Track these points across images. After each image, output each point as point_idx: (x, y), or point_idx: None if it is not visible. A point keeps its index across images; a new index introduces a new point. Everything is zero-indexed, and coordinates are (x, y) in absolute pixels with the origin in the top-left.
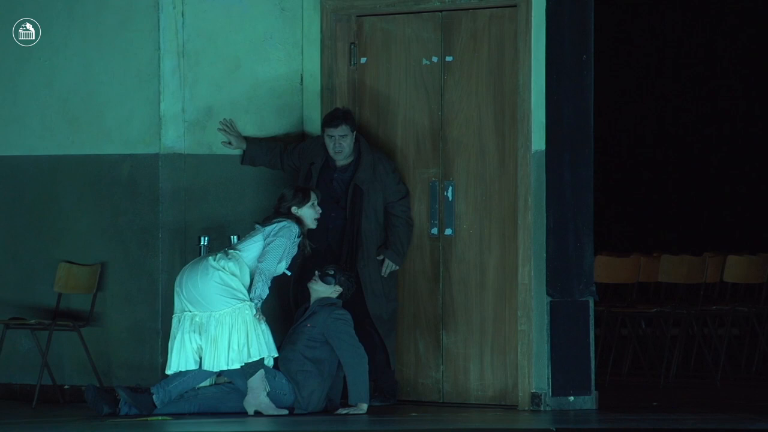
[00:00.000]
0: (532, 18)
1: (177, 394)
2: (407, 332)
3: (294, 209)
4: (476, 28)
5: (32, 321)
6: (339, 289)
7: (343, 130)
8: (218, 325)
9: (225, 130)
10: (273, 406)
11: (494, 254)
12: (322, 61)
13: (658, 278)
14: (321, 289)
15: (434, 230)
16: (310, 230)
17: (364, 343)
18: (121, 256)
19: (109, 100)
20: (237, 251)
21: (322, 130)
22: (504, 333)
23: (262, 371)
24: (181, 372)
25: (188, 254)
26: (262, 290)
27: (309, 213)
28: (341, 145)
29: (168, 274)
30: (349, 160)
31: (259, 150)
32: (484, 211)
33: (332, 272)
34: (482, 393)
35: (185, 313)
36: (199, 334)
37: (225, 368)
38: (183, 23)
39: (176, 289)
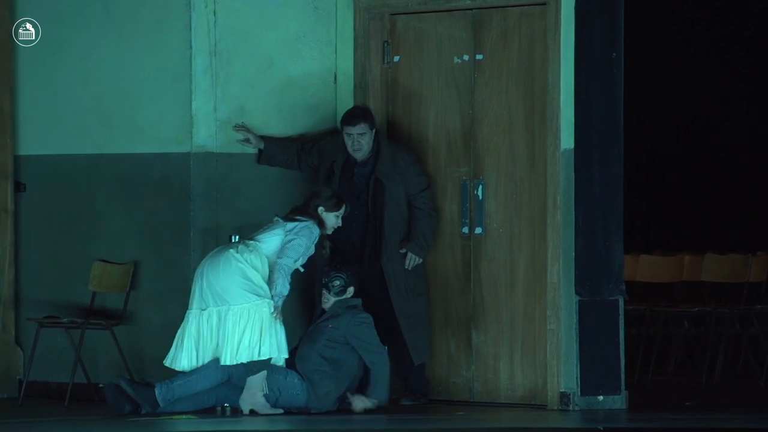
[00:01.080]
0: (562, 16)
1: (180, 393)
2: (439, 331)
3: (321, 209)
4: (507, 26)
5: (65, 319)
6: (352, 289)
7: (361, 128)
8: (235, 319)
9: (242, 131)
10: (268, 405)
11: (524, 253)
12: (356, 59)
13: (702, 277)
14: (336, 299)
15: (465, 229)
16: (336, 228)
17: (392, 343)
18: (154, 255)
19: (143, 99)
20: (257, 242)
21: (341, 128)
22: (533, 332)
23: (264, 372)
24: (186, 372)
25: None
26: (283, 287)
27: (332, 220)
28: (360, 143)
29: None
30: (369, 154)
31: (276, 149)
32: (513, 210)
33: (338, 282)
34: (512, 392)
35: (203, 312)
36: (216, 331)
37: (231, 363)
38: (215, 22)
39: (196, 280)
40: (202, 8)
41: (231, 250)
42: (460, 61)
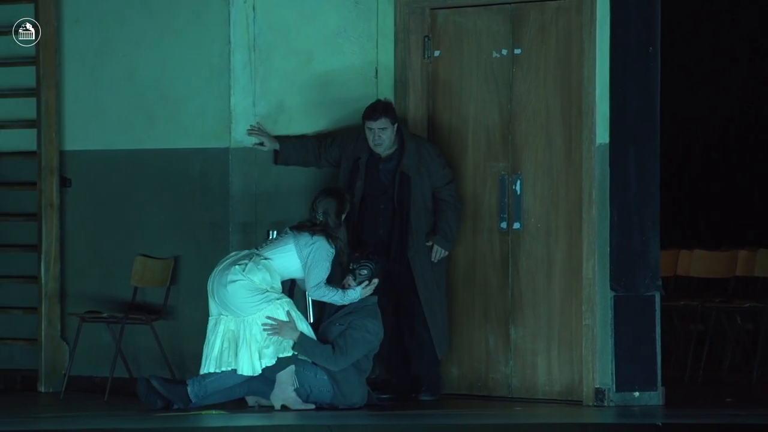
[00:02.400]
0: (597, 10)
1: (213, 389)
2: (478, 327)
3: (343, 217)
4: (544, 20)
5: (105, 314)
6: (377, 281)
7: (382, 123)
8: (252, 328)
9: (256, 133)
10: (300, 400)
11: (561, 248)
12: (396, 54)
13: (755, 273)
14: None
15: (503, 224)
16: (362, 223)
17: (413, 339)
18: (194, 250)
19: (184, 95)
20: (267, 260)
21: (363, 123)
22: (570, 328)
23: (292, 367)
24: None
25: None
26: (342, 299)
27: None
28: (381, 138)
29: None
30: (393, 149)
31: (292, 149)
32: (551, 205)
33: (365, 271)
34: (549, 388)
35: (221, 317)
36: (234, 339)
37: (260, 370)
38: (254, 17)
39: (209, 291)
40: (241, 3)
41: (235, 267)
42: (498, 55)
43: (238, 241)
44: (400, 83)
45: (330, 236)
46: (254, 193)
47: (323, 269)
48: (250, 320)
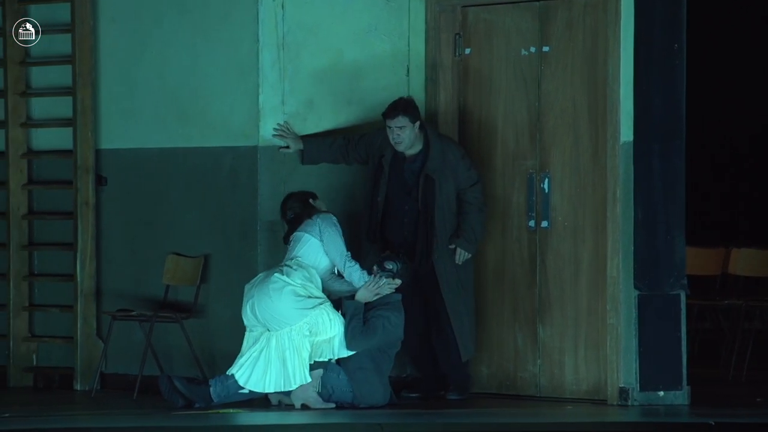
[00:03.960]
0: (622, 7)
1: (235, 390)
2: (507, 326)
3: (312, 201)
4: (572, 17)
5: (134, 312)
6: (399, 282)
7: (400, 121)
8: (299, 340)
9: (281, 135)
10: (320, 400)
11: (588, 247)
12: (427, 51)
13: None
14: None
15: (531, 223)
16: (387, 223)
17: (439, 339)
18: (224, 249)
19: (214, 93)
20: (298, 258)
21: (384, 121)
22: (597, 327)
23: (321, 370)
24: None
25: (287, 246)
26: (360, 277)
27: (322, 205)
28: (400, 136)
29: (265, 267)
30: (418, 149)
31: (318, 148)
32: (578, 203)
33: (391, 266)
34: (576, 387)
35: (265, 332)
36: (286, 355)
37: (301, 383)
38: (283, 15)
39: (247, 311)
40: (269, 2)
41: (276, 274)
42: (527, 53)
43: (266, 239)
44: (431, 81)
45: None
46: (282, 191)
47: (339, 238)
48: (297, 330)
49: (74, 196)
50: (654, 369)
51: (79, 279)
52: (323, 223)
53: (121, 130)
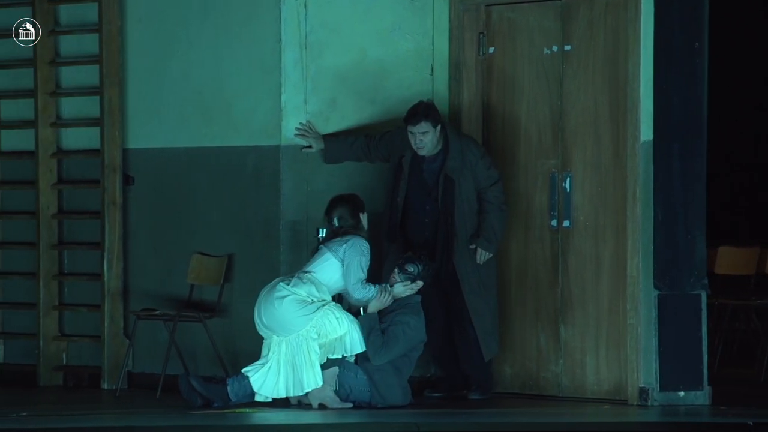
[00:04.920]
0: (642, 5)
1: (252, 390)
2: (530, 326)
3: (361, 215)
4: (593, 16)
5: (158, 312)
6: (421, 283)
7: (423, 126)
8: (308, 344)
9: (304, 134)
10: (337, 399)
11: (609, 246)
12: (450, 50)
13: None
14: (402, 290)
15: (554, 222)
16: (408, 223)
17: (460, 339)
18: (247, 248)
19: (237, 93)
20: (312, 274)
21: (405, 126)
22: (618, 326)
23: (336, 369)
24: (258, 367)
25: (309, 246)
26: (365, 294)
27: (365, 221)
28: (422, 141)
29: (288, 266)
30: (437, 149)
31: (340, 147)
32: (599, 203)
33: (412, 269)
34: (598, 387)
35: (274, 338)
36: (295, 360)
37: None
38: (306, 15)
39: (256, 320)
40: (292, 2)
41: (281, 284)
42: (549, 52)
43: (289, 238)
44: (455, 80)
45: (358, 233)
46: (305, 190)
47: (360, 265)
48: (304, 335)
49: (101, 195)
50: (674, 369)
51: (106, 278)
52: (351, 250)
53: (148, 130)
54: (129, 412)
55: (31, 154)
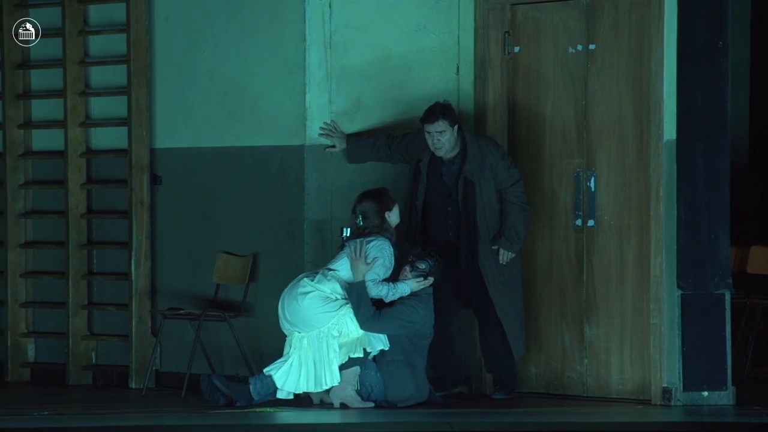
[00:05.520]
0: (665, 4)
1: (275, 389)
2: (554, 325)
3: (387, 214)
4: (617, 15)
5: (182, 311)
6: (432, 280)
7: (440, 125)
8: (329, 340)
9: (328, 134)
10: (359, 399)
11: (633, 245)
12: (476, 50)
13: None
14: (415, 286)
15: (578, 221)
16: (430, 226)
17: (487, 339)
18: (272, 248)
19: (262, 92)
20: (334, 271)
21: (422, 126)
22: (642, 326)
23: (357, 368)
24: (280, 366)
25: (334, 245)
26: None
27: (396, 217)
28: (440, 141)
29: (312, 266)
30: (455, 152)
31: (362, 148)
32: (623, 202)
33: (424, 266)
34: (622, 387)
35: (294, 335)
36: (315, 356)
37: (332, 385)
38: (330, 14)
39: (280, 315)
40: (317, 1)
41: (305, 279)
42: (574, 51)
43: (313, 238)
44: (480, 79)
45: (383, 234)
46: (329, 190)
47: (381, 266)
48: (325, 332)
49: (129, 195)
50: (698, 369)
51: (133, 278)
52: (373, 248)
53: (175, 129)
54: (148, 411)
55: (61, 154)
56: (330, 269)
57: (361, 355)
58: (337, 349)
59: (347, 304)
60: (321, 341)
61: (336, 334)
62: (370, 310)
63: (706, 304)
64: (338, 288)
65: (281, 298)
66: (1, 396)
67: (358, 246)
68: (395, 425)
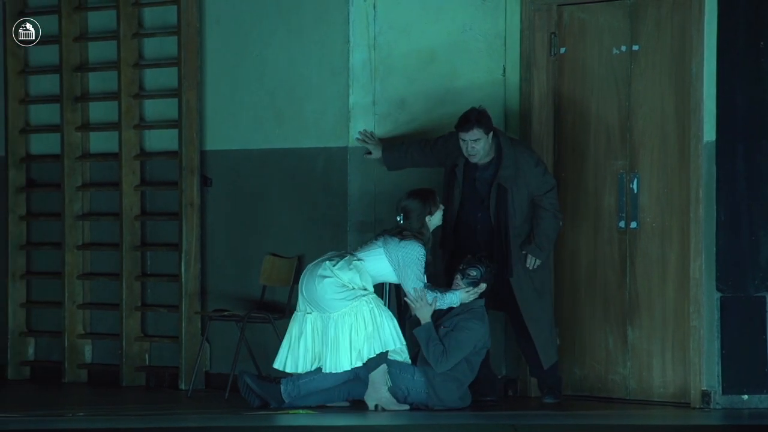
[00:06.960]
0: (706, 4)
1: (306, 390)
2: (598, 327)
3: (428, 218)
4: (660, 15)
5: (226, 312)
6: (484, 286)
7: (475, 134)
8: (337, 326)
9: (365, 141)
10: (394, 400)
11: (674, 248)
12: (521, 51)
13: None
14: (464, 297)
15: (621, 223)
16: (460, 231)
17: (523, 344)
18: (316, 250)
19: (307, 94)
20: (360, 261)
21: (457, 133)
22: (683, 329)
23: (384, 366)
24: (312, 371)
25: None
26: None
27: (437, 219)
28: (474, 149)
29: None
30: (490, 157)
31: (396, 156)
32: (665, 204)
33: (475, 273)
34: (664, 390)
35: (307, 315)
36: (320, 337)
37: (349, 368)
38: (374, 16)
39: (299, 287)
40: (360, 3)
41: (327, 262)
42: (618, 52)
43: (356, 240)
44: (526, 81)
45: (418, 239)
46: (373, 192)
47: (417, 273)
48: (336, 317)
49: (179, 197)
50: (737, 372)
51: (183, 279)
52: (406, 258)
53: (225, 131)
54: (179, 413)
55: (116, 156)
56: (356, 258)
57: (375, 354)
58: (348, 339)
59: (363, 296)
60: (327, 324)
61: (347, 322)
62: (439, 348)
63: (746, 306)
64: (357, 279)
65: (303, 272)
66: (57, 397)
67: (420, 292)
68: (455, 428)
